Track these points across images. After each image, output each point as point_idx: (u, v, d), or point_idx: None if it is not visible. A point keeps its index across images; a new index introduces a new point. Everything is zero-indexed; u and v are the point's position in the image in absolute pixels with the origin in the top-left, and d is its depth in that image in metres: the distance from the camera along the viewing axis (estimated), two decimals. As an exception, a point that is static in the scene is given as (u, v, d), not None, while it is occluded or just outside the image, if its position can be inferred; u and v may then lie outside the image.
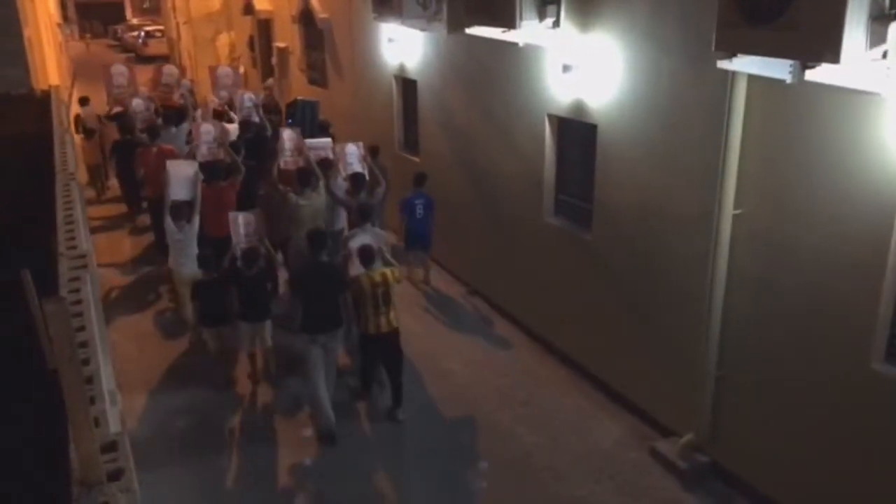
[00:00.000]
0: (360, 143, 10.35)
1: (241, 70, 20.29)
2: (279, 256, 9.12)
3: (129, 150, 11.87)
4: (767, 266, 5.82)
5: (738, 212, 5.91)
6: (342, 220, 9.52)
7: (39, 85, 13.06)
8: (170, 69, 15.94)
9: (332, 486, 6.68)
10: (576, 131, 7.97)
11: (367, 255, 7.35)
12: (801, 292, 5.56)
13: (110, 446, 2.88)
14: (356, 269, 7.49)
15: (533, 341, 8.98)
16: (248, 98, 13.00)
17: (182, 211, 8.83)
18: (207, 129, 10.88)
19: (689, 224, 6.41)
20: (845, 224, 5.14)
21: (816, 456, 5.65)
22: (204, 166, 9.73)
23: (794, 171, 5.48)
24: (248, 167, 9.93)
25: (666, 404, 7.09)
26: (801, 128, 5.37)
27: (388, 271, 7.33)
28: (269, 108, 13.84)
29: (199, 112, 12.81)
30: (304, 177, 9.17)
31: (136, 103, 13.53)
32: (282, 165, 9.94)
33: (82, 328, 3.72)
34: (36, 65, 13.37)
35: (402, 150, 12.18)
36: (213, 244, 8.63)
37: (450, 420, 7.63)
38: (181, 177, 9.25)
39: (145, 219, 12.43)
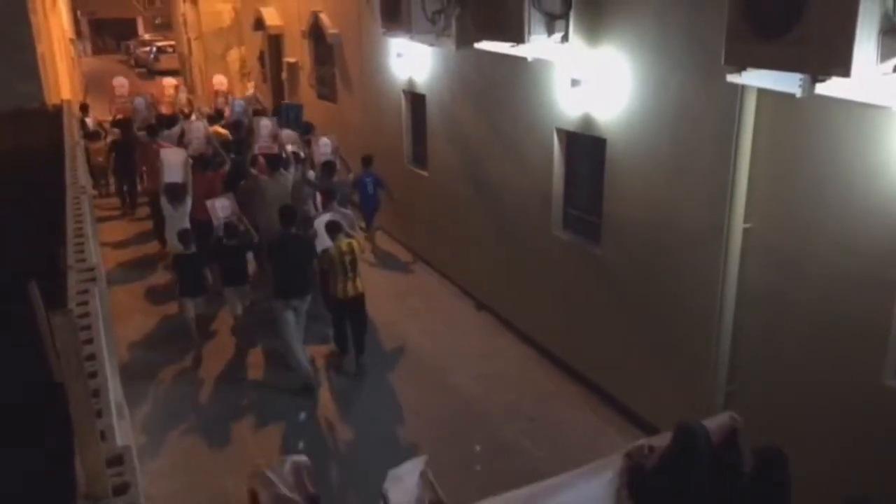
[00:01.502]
0: (333, 136, 11.72)
1: (251, 86, 20.55)
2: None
3: (126, 151, 13.60)
4: (778, 280, 5.78)
5: (747, 226, 5.89)
6: (313, 207, 10.34)
7: (52, 99, 13.15)
8: (168, 81, 18.45)
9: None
10: (584, 145, 7.97)
11: (333, 227, 8.42)
12: (812, 307, 5.52)
13: (116, 460, 2.86)
14: (324, 243, 8.55)
15: (541, 355, 8.93)
16: (238, 104, 14.66)
17: (176, 191, 10.01)
18: (197, 127, 12.30)
19: (699, 238, 6.38)
20: (856, 238, 5.11)
21: (827, 472, 5.58)
22: (195, 159, 10.98)
23: (804, 185, 5.45)
24: (236, 161, 11.16)
25: (676, 419, 7.02)
26: (811, 142, 5.35)
27: (353, 242, 8.43)
28: (255, 111, 15.12)
29: (193, 116, 14.20)
30: (273, 161, 10.36)
31: (138, 102, 15.21)
32: (256, 151, 10.92)
33: (90, 341, 3.72)
34: (49, 80, 13.45)
35: (410, 164, 12.20)
36: (200, 226, 9.74)
37: (457, 434, 7.58)
38: (173, 162, 10.43)
39: (142, 211, 14.12)
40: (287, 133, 11.87)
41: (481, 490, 6.67)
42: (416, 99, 11.74)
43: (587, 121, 7.58)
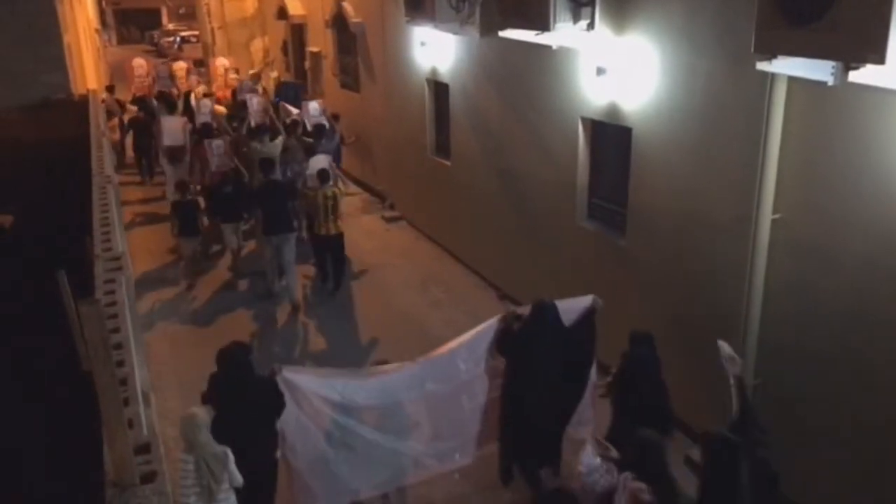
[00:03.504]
0: (320, 100, 14.41)
1: (275, 74, 20.65)
2: None
3: (143, 126, 15.26)
4: (807, 272, 5.69)
5: (776, 216, 5.80)
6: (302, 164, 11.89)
7: (78, 89, 13.26)
8: (179, 65, 20.63)
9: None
10: (610, 134, 7.89)
11: (323, 176, 10.04)
12: (843, 299, 5.43)
13: (144, 448, 2.88)
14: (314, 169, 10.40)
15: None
16: (246, 85, 16.81)
17: (176, 153, 12.16)
18: (205, 104, 14.46)
19: (726, 229, 6.30)
20: (889, 229, 5.01)
21: (859, 467, 5.51)
22: (201, 127, 12.88)
23: (835, 175, 5.35)
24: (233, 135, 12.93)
25: (701, 412, 6.97)
26: (843, 130, 5.24)
27: (336, 190, 10.05)
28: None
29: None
30: (261, 129, 12.27)
31: (162, 69, 18.91)
32: (252, 124, 12.94)
33: (117, 330, 3.74)
34: (75, 70, 13.56)
35: (433, 153, 12.16)
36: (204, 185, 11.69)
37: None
38: (173, 128, 12.67)
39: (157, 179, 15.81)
40: (289, 107, 14.58)
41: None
42: (439, 88, 11.69)
43: (613, 110, 7.50)
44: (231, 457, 4.88)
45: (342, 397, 5.67)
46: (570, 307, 6.21)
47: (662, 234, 7.15)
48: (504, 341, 6.11)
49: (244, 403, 5.37)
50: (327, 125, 12.98)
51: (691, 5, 6.39)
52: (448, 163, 11.55)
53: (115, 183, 7.68)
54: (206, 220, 10.96)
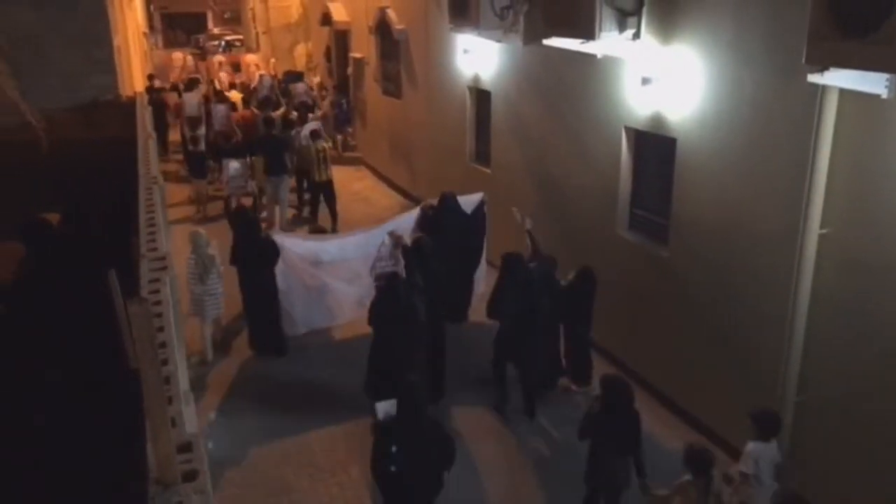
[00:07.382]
0: (305, 82, 19.44)
1: (317, 79, 20.88)
2: None
3: (159, 107, 17.71)
4: (855, 288, 5.56)
5: (824, 231, 5.69)
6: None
7: (126, 91, 13.51)
8: (217, 58, 25.15)
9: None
10: (653, 144, 7.81)
11: (314, 134, 13.28)
12: (892, 318, 5.29)
13: (186, 447, 2.90)
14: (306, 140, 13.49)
15: (601, 357, 8.78)
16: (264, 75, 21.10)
17: (194, 121, 15.89)
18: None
19: (772, 242, 6.19)
20: (943, 247, 4.88)
21: (904, 491, 5.36)
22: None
23: (887, 191, 5.23)
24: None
25: (742, 428, 6.84)
26: (896, 145, 5.12)
27: (326, 146, 13.25)
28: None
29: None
30: (268, 101, 16.34)
31: (189, 60, 24.33)
32: (260, 98, 16.89)
33: (161, 329, 3.78)
34: (123, 72, 13.81)
35: (473, 161, 12.15)
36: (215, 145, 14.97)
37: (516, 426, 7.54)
38: (192, 102, 16.77)
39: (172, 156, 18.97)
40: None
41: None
42: (481, 95, 11.69)
43: (657, 119, 7.43)
44: (218, 258, 8.65)
45: (311, 254, 8.73)
46: (468, 200, 9.34)
47: (706, 247, 7.05)
48: (423, 222, 9.02)
49: (254, 255, 8.48)
50: (311, 102, 17.47)
51: (740, 16, 6.30)
52: (488, 170, 11.53)
53: (161, 184, 7.80)
54: (211, 164, 14.51)
